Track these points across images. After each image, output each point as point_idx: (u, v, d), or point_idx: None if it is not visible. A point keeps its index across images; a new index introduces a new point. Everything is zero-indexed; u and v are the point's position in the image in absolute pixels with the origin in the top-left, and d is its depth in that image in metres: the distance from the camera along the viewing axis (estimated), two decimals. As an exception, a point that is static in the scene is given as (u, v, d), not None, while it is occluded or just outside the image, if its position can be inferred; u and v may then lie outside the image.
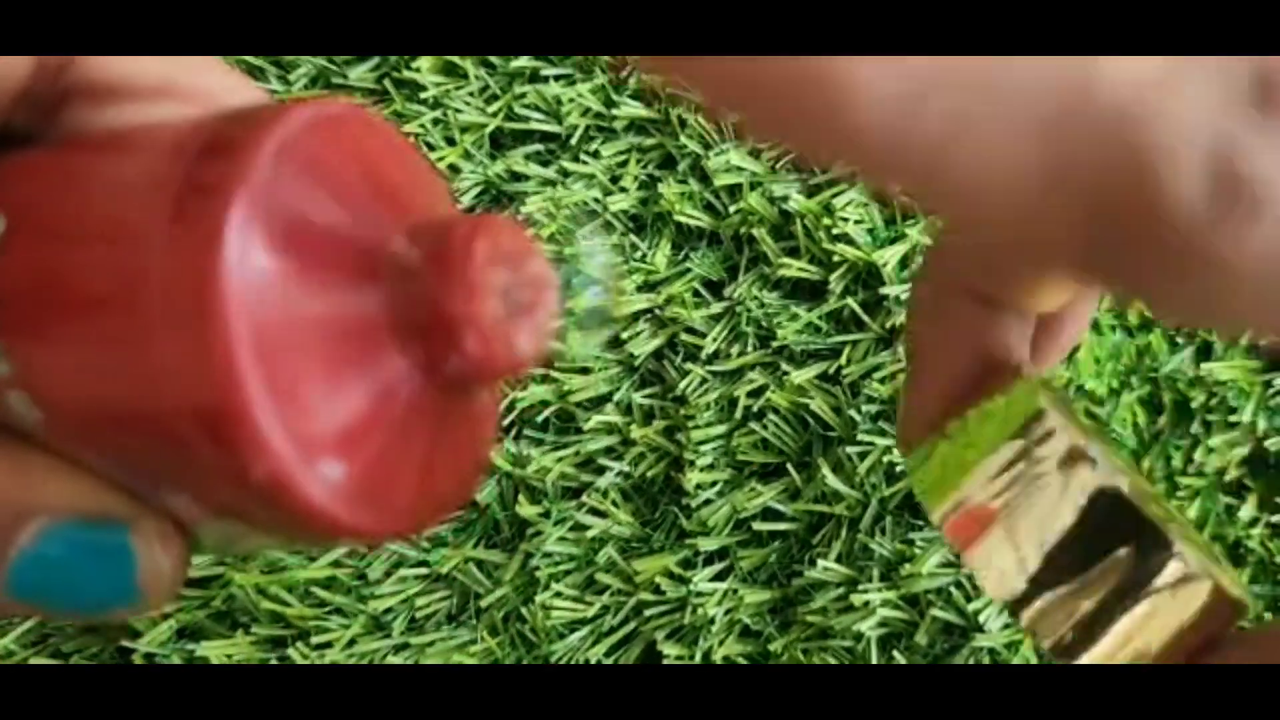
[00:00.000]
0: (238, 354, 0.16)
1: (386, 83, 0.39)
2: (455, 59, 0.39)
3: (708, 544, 0.37)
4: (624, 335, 0.39)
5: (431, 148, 0.39)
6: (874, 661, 0.37)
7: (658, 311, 0.38)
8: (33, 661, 0.36)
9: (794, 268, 0.38)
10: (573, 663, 0.36)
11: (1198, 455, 0.38)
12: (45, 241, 0.18)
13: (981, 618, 0.37)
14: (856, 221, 0.38)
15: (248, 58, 0.40)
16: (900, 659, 0.37)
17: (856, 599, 0.37)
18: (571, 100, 0.38)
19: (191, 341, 0.16)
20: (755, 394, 0.38)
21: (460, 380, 0.19)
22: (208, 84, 0.21)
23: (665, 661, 0.36)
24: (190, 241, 0.16)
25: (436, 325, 0.18)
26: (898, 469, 0.38)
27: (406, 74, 0.39)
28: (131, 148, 0.19)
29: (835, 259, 0.38)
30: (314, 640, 0.36)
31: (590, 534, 0.37)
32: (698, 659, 0.36)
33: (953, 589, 0.37)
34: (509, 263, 0.19)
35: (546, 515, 0.37)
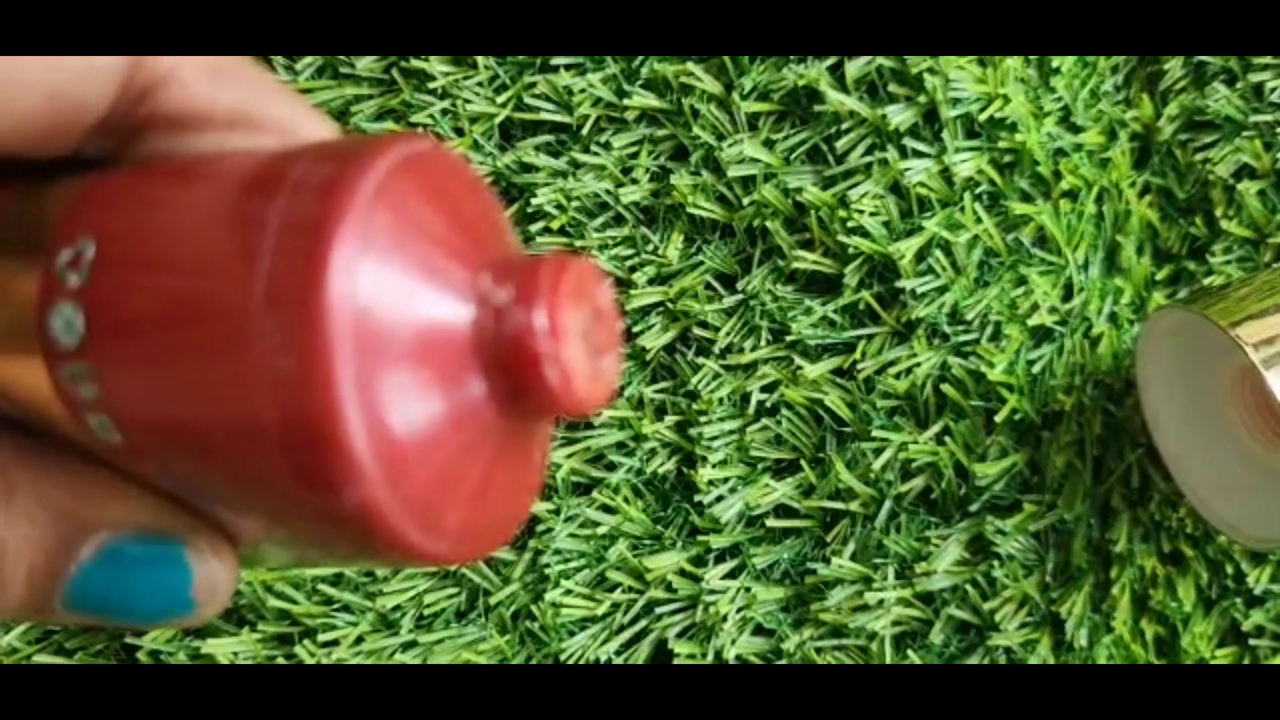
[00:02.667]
0: (339, 386, 0.17)
1: (394, 72, 0.38)
2: (464, 48, 0.39)
3: (720, 541, 0.37)
4: (635, 329, 0.38)
5: (440, 139, 0.38)
6: (888, 660, 0.36)
7: (669, 305, 0.38)
8: (36, 659, 0.36)
9: (808, 261, 0.38)
10: (583, 661, 0.36)
11: None
12: (135, 267, 0.19)
13: (997, 616, 0.36)
14: (872, 214, 0.37)
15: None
16: (915, 658, 0.36)
17: (871, 597, 0.36)
18: (582, 90, 0.38)
19: (292, 364, 0.17)
20: (768, 389, 0.38)
21: (537, 414, 0.20)
22: (279, 115, 0.22)
23: (676, 660, 0.36)
24: (292, 277, 0.17)
25: (521, 362, 0.19)
26: (913, 465, 0.37)
27: (415, 64, 0.39)
28: (218, 177, 0.19)
29: (850, 252, 0.37)
30: (321, 638, 0.36)
31: (601, 531, 0.36)
32: (710, 657, 0.36)
33: (968, 587, 0.37)
34: (588, 304, 0.20)
35: (557, 512, 0.37)
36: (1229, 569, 0.37)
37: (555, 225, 0.38)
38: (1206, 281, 0.39)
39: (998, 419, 0.37)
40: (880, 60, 0.37)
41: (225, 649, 0.36)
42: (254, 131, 0.21)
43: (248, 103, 0.21)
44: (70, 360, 0.19)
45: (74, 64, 0.20)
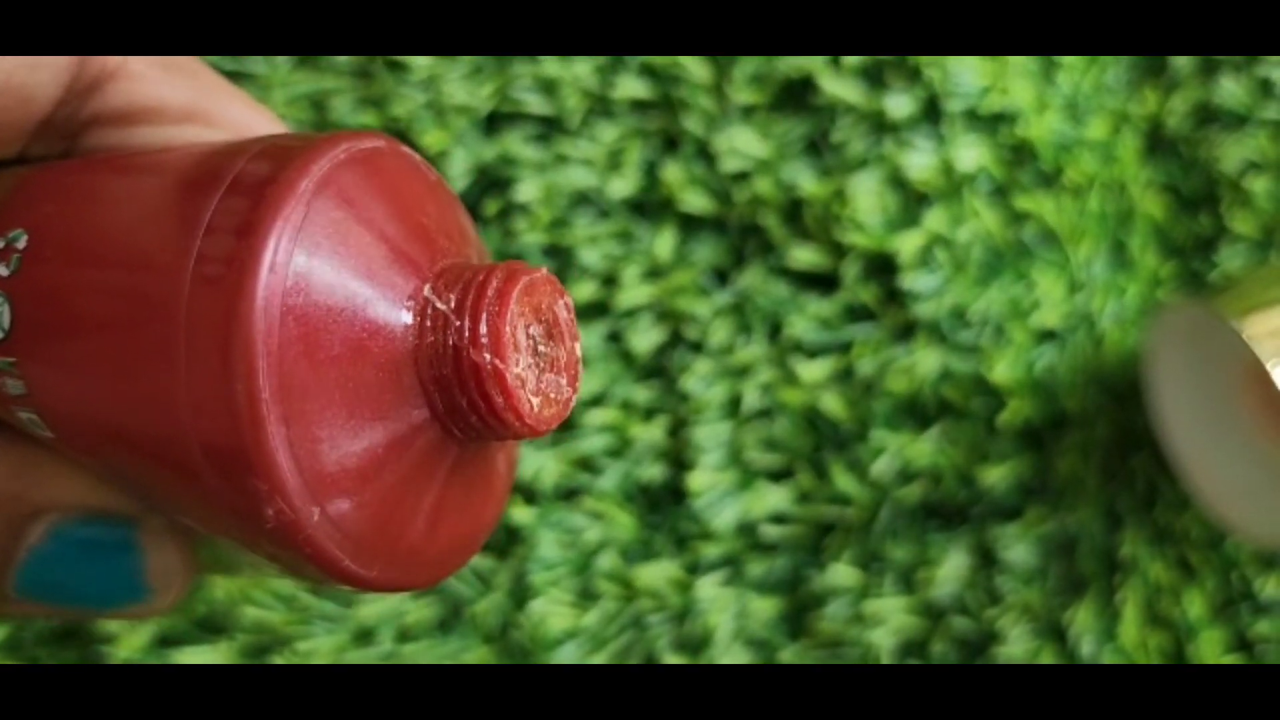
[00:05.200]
0: (258, 395, 0.16)
1: (374, 64, 0.37)
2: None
3: (712, 549, 0.35)
4: (624, 328, 0.37)
5: (421, 131, 0.37)
6: (887, 673, 0.35)
7: (660, 303, 0.37)
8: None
9: (804, 257, 0.36)
10: (570, 674, 0.35)
11: None
12: (65, 262, 0.18)
13: (999, 626, 0.35)
14: (870, 209, 0.36)
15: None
16: (915, 670, 0.35)
17: (869, 607, 0.35)
18: (569, 81, 0.37)
19: (212, 379, 0.16)
20: (763, 390, 0.36)
21: (481, 435, 0.19)
22: (233, 113, 0.21)
23: (667, 673, 0.35)
24: (218, 279, 0.16)
25: (463, 377, 0.18)
26: (912, 469, 0.36)
27: (394, 54, 0.37)
28: (157, 172, 0.18)
29: (847, 248, 0.36)
30: (299, 647, 0.34)
31: (588, 538, 0.35)
32: (701, 670, 0.35)
33: (969, 596, 0.35)
34: (540, 318, 0.19)
35: (542, 519, 0.35)
36: (1237, 576, 0.36)
37: (541, 220, 0.36)
38: (1213, 277, 0.38)
39: (1000, 422, 0.36)
40: (878, 49, 0.36)
41: (199, 659, 0.34)
42: (207, 127, 0.21)
43: (200, 99, 0.21)
44: None
45: (18, 60, 0.19)
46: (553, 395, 0.19)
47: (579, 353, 0.20)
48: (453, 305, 0.18)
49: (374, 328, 0.18)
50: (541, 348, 0.19)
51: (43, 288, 0.18)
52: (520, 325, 0.18)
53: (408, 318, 0.18)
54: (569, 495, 0.36)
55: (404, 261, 0.18)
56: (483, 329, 0.18)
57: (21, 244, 0.18)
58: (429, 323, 0.18)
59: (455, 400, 0.18)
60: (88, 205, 0.19)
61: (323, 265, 0.17)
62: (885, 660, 0.35)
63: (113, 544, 0.19)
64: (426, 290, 0.18)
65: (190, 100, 0.21)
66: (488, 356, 0.18)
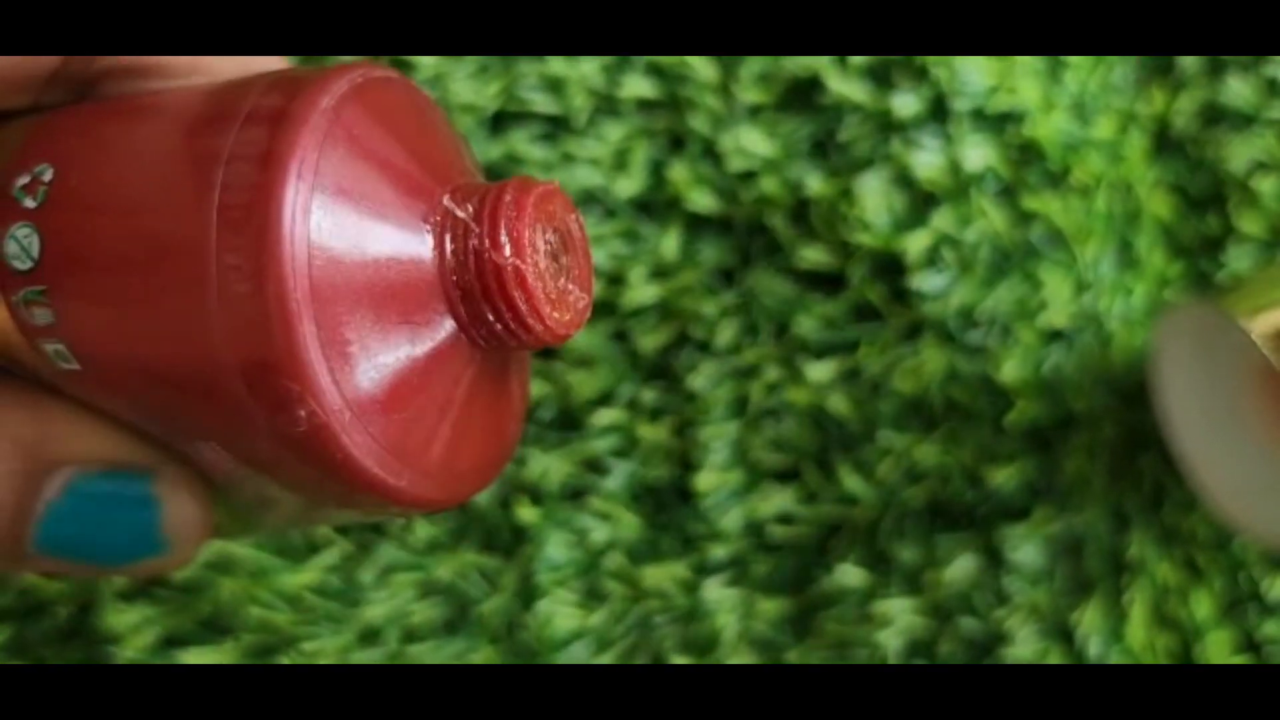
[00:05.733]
0: (289, 296, 0.17)
1: (380, 61, 0.37)
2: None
3: (718, 550, 0.35)
4: (631, 327, 0.37)
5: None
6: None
7: (666, 302, 0.37)
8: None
9: (810, 257, 0.36)
10: (576, 674, 0.35)
11: None
12: (91, 194, 0.19)
13: (1007, 627, 0.35)
14: (877, 208, 0.36)
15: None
16: (922, 671, 0.35)
17: (876, 608, 0.35)
18: (575, 80, 0.37)
19: (245, 285, 0.17)
20: (769, 390, 0.36)
21: (503, 342, 0.19)
22: (234, 63, 0.22)
23: (673, 673, 0.35)
24: (245, 205, 0.17)
25: (485, 281, 0.19)
26: (919, 470, 0.36)
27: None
28: (177, 108, 0.19)
29: (854, 247, 0.36)
30: (304, 647, 0.34)
31: (594, 539, 0.35)
32: (708, 671, 0.35)
33: (977, 597, 0.35)
34: (555, 227, 0.20)
35: (548, 519, 0.35)
36: (1244, 577, 0.36)
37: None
38: (1220, 277, 0.38)
39: (1007, 422, 0.36)
40: (885, 48, 0.36)
41: (205, 660, 0.34)
42: (212, 76, 0.21)
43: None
44: (24, 284, 0.18)
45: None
46: (570, 301, 0.20)
47: (592, 267, 0.21)
48: (471, 213, 0.19)
49: (397, 238, 0.18)
50: (558, 256, 0.20)
51: (71, 218, 0.18)
52: (538, 230, 0.19)
53: (428, 228, 0.19)
54: (575, 495, 0.36)
55: (421, 176, 0.19)
56: (502, 233, 0.19)
57: (48, 177, 0.19)
58: (449, 232, 0.19)
59: (477, 306, 0.19)
60: (111, 141, 0.19)
61: (345, 182, 0.18)
62: (892, 661, 0.35)
63: (130, 498, 0.19)
64: (445, 200, 0.19)
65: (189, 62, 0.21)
66: (509, 256, 0.19)
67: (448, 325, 0.19)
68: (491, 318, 0.19)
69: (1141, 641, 0.35)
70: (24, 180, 0.19)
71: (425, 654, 0.34)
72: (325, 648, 0.34)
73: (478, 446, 0.21)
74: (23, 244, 0.18)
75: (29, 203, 0.19)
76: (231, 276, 0.17)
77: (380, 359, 0.18)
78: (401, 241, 0.19)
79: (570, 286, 0.20)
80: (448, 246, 0.19)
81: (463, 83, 0.36)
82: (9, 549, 0.19)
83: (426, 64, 0.36)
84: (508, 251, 0.19)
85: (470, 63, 0.37)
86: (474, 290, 0.19)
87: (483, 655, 0.34)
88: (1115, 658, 0.35)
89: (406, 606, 0.35)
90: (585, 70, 0.36)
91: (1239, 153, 0.38)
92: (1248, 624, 0.36)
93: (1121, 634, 0.35)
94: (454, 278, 0.19)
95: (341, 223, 0.17)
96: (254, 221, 0.17)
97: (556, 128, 0.37)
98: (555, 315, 0.20)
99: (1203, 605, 0.36)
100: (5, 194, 0.19)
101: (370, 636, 0.35)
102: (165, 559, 0.20)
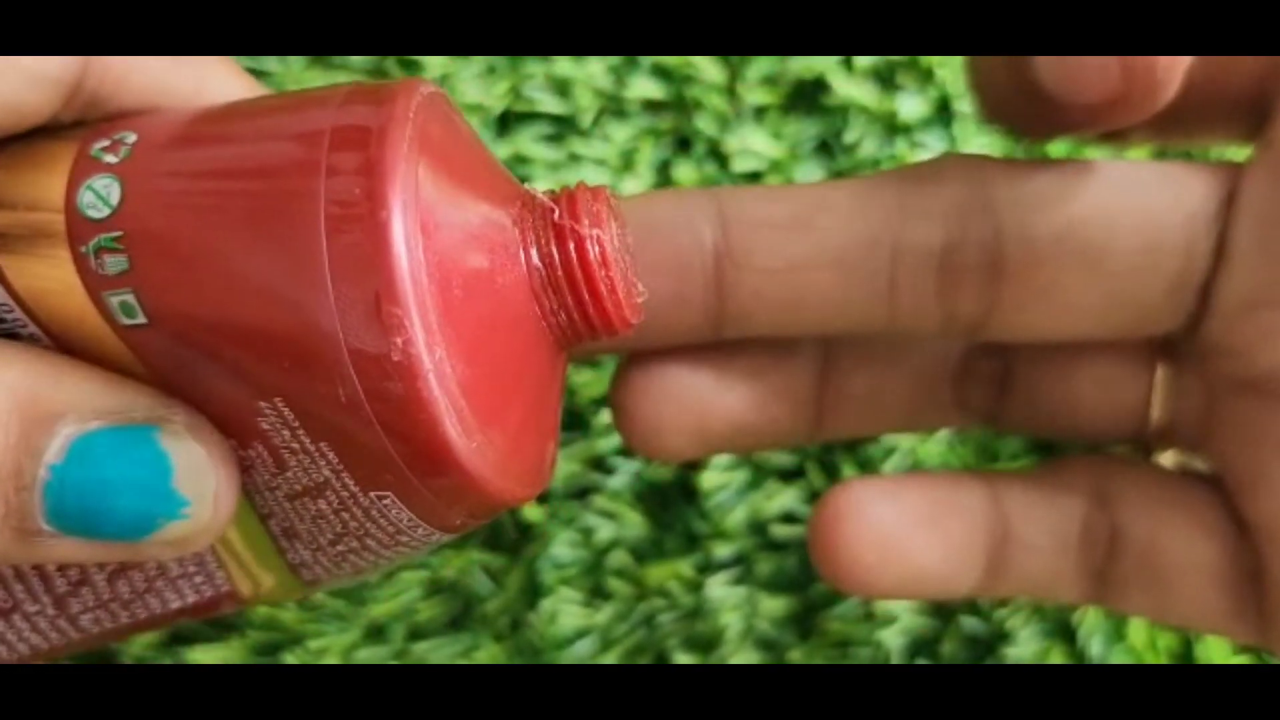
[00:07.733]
0: (402, 248, 0.17)
1: (388, 61, 0.37)
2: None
3: (723, 548, 0.35)
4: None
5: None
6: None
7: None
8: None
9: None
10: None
11: None
12: (186, 151, 0.19)
13: (1009, 625, 0.35)
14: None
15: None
16: (924, 670, 0.35)
17: (879, 607, 0.35)
18: (581, 80, 0.37)
19: (357, 227, 0.17)
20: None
21: (579, 324, 0.20)
22: (231, 92, 0.22)
23: (677, 671, 0.35)
24: (355, 217, 0.17)
25: (567, 254, 0.20)
26: (923, 469, 0.36)
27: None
28: (257, 107, 0.20)
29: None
30: (310, 645, 0.35)
31: (599, 537, 0.35)
32: (711, 669, 0.35)
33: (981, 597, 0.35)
34: (619, 220, 0.21)
35: (553, 517, 0.35)
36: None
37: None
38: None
39: (1011, 422, 0.36)
40: (890, 50, 0.36)
41: (210, 658, 0.34)
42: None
43: (207, 79, 0.22)
44: (98, 230, 0.18)
45: (15, 68, 0.19)
46: (636, 291, 0.21)
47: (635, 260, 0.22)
48: (561, 213, 0.20)
49: (485, 226, 0.19)
50: (624, 249, 0.21)
51: (161, 170, 0.19)
52: (610, 217, 0.20)
53: (510, 218, 0.20)
54: (580, 494, 0.36)
55: (488, 189, 0.20)
56: (582, 210, 0.20)
57: (131, 139, 0.19)
58: (533, 216, 0.20)
59: (558, 286, 0.20)
60: (200, 120, 0.20)
61: (433, 197, 0.18)
62: (895, 660, 0.35)
63: (137, 456, 0.18)
64: (526, 187, 0.21)
65: (199, 79, 0.22)
66: (587, 225, 0.20)
67: (529, 306, 0.20)
68: (571, 298, 0.20)
69: (1143, 640, 0.35)
70: (104, 143, 0.19)
71: (430, 651, 0.35)
72: (331, 645, 0.35)
73: (535, 440, 0.21)
74: (100, 193, 0.18)
75: (110, 159, 0.19)
76: (339, 213, 0.17)
77: (470, 329, 0.18)
78: (489, 228, 0.19)
79: (634, 279, 0.21)
80: (530, 235, 0.20)
81: (470, 83, 0.37)
82: (20, 523, 0.18)
83: (434, 64, 0.37)
84: (598, 248, 0.20)
85: (478, 63, 0.37)
86: (555, 266, 0.20)
87: (487, 652, 0.35)
88: (1117, 657, 0.35)
89: (412, 604, 0.35)
90: (592, 71, 0.37)
91: (1241, 155, 0.38)
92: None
93: (1123, 633, 0.35)
94: (537, 263, 0.20)
95: (441, 236, 0.18)
96: (366, 226, 0.17)
97: (563, 128, 0.37)
98: (632, 305, 0.21)
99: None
100: (83, 155, 0.19)
101: (376, 633, 0.35)
102: (189, 526, 0.19)
